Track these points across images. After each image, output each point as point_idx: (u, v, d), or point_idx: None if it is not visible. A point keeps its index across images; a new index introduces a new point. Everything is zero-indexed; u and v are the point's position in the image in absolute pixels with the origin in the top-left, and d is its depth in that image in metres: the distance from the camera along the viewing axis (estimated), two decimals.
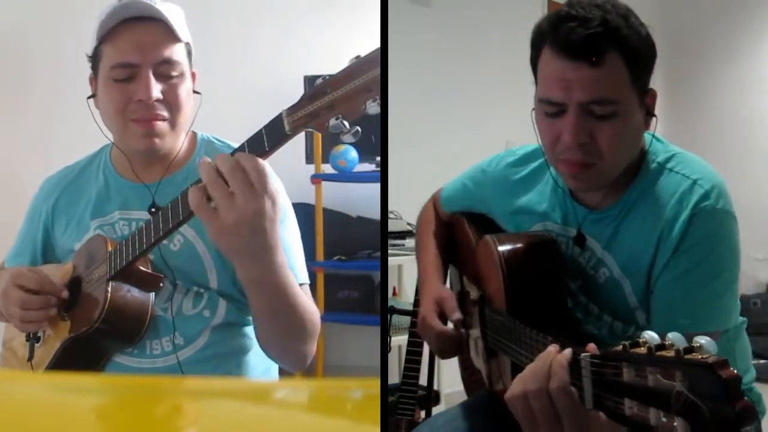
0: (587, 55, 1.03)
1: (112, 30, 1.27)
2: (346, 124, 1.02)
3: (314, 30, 3.62)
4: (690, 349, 0.68)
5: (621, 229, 1.13)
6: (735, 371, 0.65)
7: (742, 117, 4.15)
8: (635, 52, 1.04)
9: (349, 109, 1.01)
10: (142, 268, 1.25)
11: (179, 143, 1.37)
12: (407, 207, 2.46)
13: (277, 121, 1.07)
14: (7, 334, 1.44)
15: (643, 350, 0.72)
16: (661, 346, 0.71)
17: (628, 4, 1.08)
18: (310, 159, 3.35)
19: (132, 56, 1.26)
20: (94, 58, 1.32)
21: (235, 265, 1.12)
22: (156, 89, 1.26)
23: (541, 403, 0.85)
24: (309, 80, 3.47)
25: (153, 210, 1.33)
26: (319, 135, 3.34)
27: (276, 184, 1.06)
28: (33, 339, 1.34)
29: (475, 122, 3.12)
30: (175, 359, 1.31)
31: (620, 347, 0.74)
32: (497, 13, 3.23)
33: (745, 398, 0.64)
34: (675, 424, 0.67)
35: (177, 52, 1.30)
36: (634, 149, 1.12)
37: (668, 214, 1.07)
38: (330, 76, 1.02)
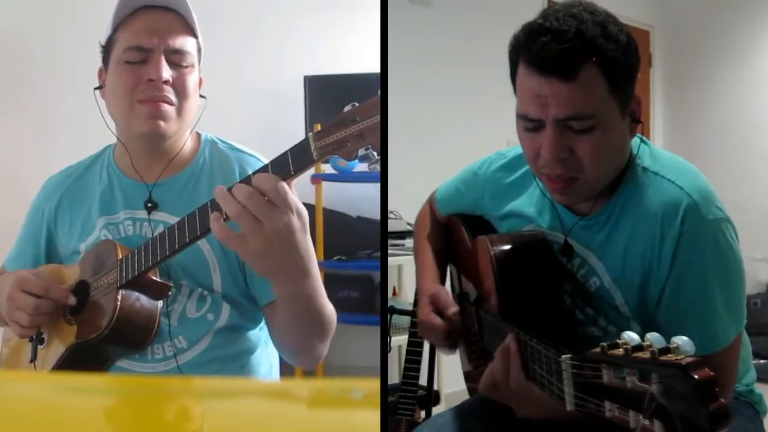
0: (561, 71, 1.00)
1: (128, 17, 1.30)
2: (375, 153, 1.03)
3: (314, 30, 3.62)
4: (667, 350, 0.68)
5: (611, 237, 1.11)
6: (710, 372, 0.64)
7: (741, 117, 4.15)
8: (613, 62, 1.01)
9: (377, 140, 1.01)
10: (152, 276, 1.26)
11: (183, 138, 1.37)
12: (407, 207, 2.46)
13: (304, 145, 1.07)
14: (7, 335, 1.43)
15: (620, 351, 0.72)
16: (639, 347, 0.70)
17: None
18: None
19: (146, 40, 1.28)
20: (107, 47, 1.34)
21: (272, 282, 1.15)
22: (166, 71, 1.28)
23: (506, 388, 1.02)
24: (309, 80, 3.46)
25: (149, 205, 1.34)
26: None
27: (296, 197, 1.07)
28: (36, 340, 1.33)
29: (475, 122, 3.12)
30: (177, 363, 1.31)
31: (599, 349, 0.74)
32: (497, 13, 3.23)
33: (720, 400, 0.63)
34: (653, 426, 0.67)
35: (189, 43, 1.32)
36: (618, 159, 1.09)
37: (658, 228, 1.05)
38: (358, 103, 1.03)
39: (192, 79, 1.33)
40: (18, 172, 3.68)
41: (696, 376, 0.63)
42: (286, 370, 1.54)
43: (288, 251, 1.06)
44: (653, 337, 0.69)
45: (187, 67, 1.32)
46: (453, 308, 1.30)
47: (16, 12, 3.72)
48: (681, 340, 0.68)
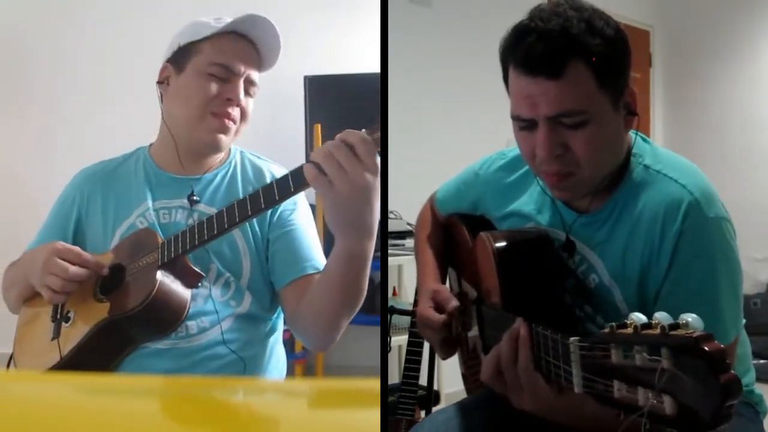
0: (547, 69, 1.01)
1: (222, 34, 1.42)
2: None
3: (314, 30, 3.62)
4: (676, 326, 0.68)
5: (612, 234, 1.11)
6: (720, 345, 0.65)
7: (742, 117, 4.15)
8: (601, 57, 1.01)
9: None
10: (188, 262, 1.31)
11: (228, 148, 1.51)
12: (407, 207, 2.47)
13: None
14: (25, 316, 1.45)
15: (629, 330, 0.72)
16: (648, 325, 0.71)
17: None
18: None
19: (234, 64, 1.41)
20: (187, 51, 1.43)
21: (339, 238, 1.21)
22: (243, 95, 1.43)
23: (510, 375, 0.99)
24: (309, 80, 3.46)
25: (195, 198, 1.43)
26: (320, 135, 3.36)
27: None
28: (61, 319, 1.36)
29: (475, 122, 3.12)
30: (196, 342, 1.34)
31: (608, 329, 0.75)
32: (497, 13, 3.23)
33: (732, 371, 0.64)
34: (663, 402, 0.67)
35: (257, 77, 1.47)
36: (614, 153, 1.10)
37: (658, 225, 1.06)
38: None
39: (251, 107, 1.46)
40: (18, 172, 3.69)
41: (707, 349, 0.64)
42: (286, 370, 1.55)
43: (364, 207, 1.13)
44: (662, 316, 0.70)
45: (252, 96, 1.46)
46: (453, 302, 1.30)
47: (16, 12, 3.72)
48: (690, 317, 0.68)
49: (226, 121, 1.41)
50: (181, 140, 1.46)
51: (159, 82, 1.47)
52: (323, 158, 1.11)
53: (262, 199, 1.22)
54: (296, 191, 1.19)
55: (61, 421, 0.51)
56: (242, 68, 1.41)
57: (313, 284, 1.36)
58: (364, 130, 1.12)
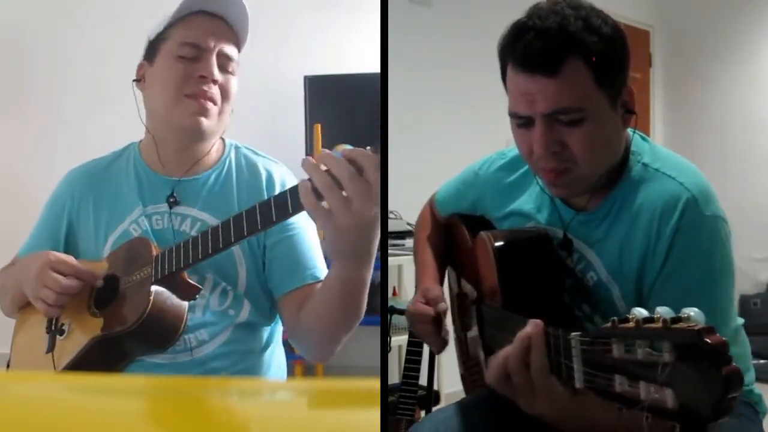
0: (545, 67, 1.02)
1: (184, 17, 1.37)
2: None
3: (314, 30, 3.62)
4: (678, 320, 0.69)
5: (610, 232, 1.12)
6: (722, 338, 0.65)
7: (742, 117, 4.15)
8: (598, 55, 1.02)
9: None
10: (185, 276, 1.25)
11: (213, 140, 1.42)
12: (407, 207, 2.47)
13: None
14: (23, 320, 1.42)
15: (631, 324, 0.72)
16: (650, 320, 0.71)
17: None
18: None
19: (203, 40, 1.35)
20: (156, 42, 1.39)
21: (337, 266, 1.16)
22: (217, 71, 1.35)
23: (520, 378, 0.93)
24: (309, 80, 3.46)
25: (171, 200, 1.37)
26: (320, 135, 3.36)
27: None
28: (55, 331, 1.32)
29: (475, 122, 3.12)
30: (195, 354, 1.32)
31: (609, 324, 0.75)
32: (497, 13, 3.22)
33: (733, 364, 0.64)
34: (664, 395, 0.67)
35: (235, 53, 1.40)
36: (611, 151, 1.10)
37: (656, 221, 1.06)
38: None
39: (234, 85, 1.39)
40: (18, 172, 3.69)
41: (709, 341, 0.64)
42: (286, 370, 1.55)
43: (367, 238, 1.07)
44: (663, 310, 0.70)
45: (231, 72, 1.39)
46: (442, 304, 1.30)
47: (16, 12, 3.72)
48: (692, 311, 0.68)
49: (203, 101, 1.33)
50: (162, 137, 1.40)
51: (136, 80, 1.42)
52: (325, 188, 1.01)
53: (258, 221, 1.14)
54: (294, 213, 1.10)
55: (61, 421, 0.51)
56: (212, 43, 1.35)
57: (312, 300, 1.30)
58: (369, 147, 1.03)
